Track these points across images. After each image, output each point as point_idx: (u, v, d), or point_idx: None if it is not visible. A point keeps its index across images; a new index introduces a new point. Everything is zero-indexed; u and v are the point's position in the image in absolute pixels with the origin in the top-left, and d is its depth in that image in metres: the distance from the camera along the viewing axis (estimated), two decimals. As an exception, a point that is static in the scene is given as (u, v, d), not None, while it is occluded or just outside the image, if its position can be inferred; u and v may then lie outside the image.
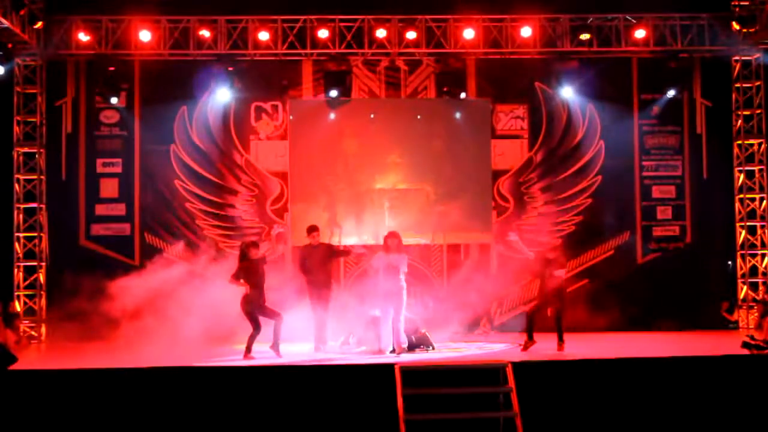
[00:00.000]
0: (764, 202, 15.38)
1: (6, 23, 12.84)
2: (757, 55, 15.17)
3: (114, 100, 14.75)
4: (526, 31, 14.57)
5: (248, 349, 11.03)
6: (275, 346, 11.13)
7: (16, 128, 14.79)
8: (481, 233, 15.28)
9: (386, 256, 11.09)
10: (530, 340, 11.49)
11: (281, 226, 13.36)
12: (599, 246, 15.40)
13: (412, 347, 11.54)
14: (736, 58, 15.39)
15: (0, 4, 12.64)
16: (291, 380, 9.90)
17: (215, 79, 14.67)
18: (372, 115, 15.30)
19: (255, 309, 11.07)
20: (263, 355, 10.98)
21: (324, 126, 15.24)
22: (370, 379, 9.75)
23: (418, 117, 15.28)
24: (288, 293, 12.20)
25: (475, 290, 13.82)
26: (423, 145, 15.24)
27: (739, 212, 15.46)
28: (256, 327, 11.12)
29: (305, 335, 12.14)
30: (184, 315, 11.56)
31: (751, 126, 15.48)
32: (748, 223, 15.38)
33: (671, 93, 15.19)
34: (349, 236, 14.69)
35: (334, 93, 14.80)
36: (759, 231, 15.36)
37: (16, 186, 14.76)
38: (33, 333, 14.45)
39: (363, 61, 15.27)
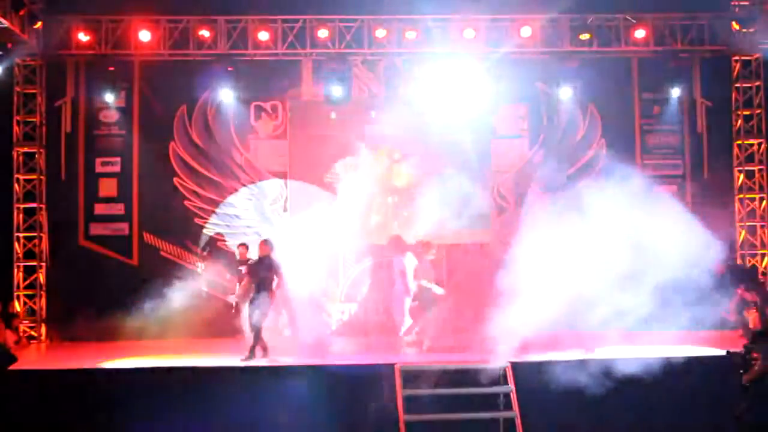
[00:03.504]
0: (764, 202, 15.37)
1: (6, 23, 12.81)
2: (757, 55, 15.15)
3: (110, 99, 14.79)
4: (526, 31, 14.54)
5: (258, 351, 11.10)
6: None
7: (15, 128, 14.75)
8: (480, 233, 15.24)
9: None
10: None
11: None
12: (598, 246, 15.37)
13: None
14: (736, 58, 15.38)
15: (0, 4, 12.61)
16: (291, 380, 9.92)
17: (215, 78, 14.67)
18: (372, 115, 15.27)
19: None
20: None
21: (324, 126, 15.23)
22: (370, 379, 9.78)
23: (413, 116, 15.23)
24: None
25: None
26: (423, 145, 15.21)
27: (739, 212, 15.46)
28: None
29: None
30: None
31: (751, 126, 15.47)
32: (747, 223, 15.37)
33: (673, 93, 15.20)
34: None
35: (333, 93, 14.78)
36: (759, 231, 15.35)
37: (16, 186, 14.72)
38: (33, 333, 14.42)
39: (362, 61, 15.25)
